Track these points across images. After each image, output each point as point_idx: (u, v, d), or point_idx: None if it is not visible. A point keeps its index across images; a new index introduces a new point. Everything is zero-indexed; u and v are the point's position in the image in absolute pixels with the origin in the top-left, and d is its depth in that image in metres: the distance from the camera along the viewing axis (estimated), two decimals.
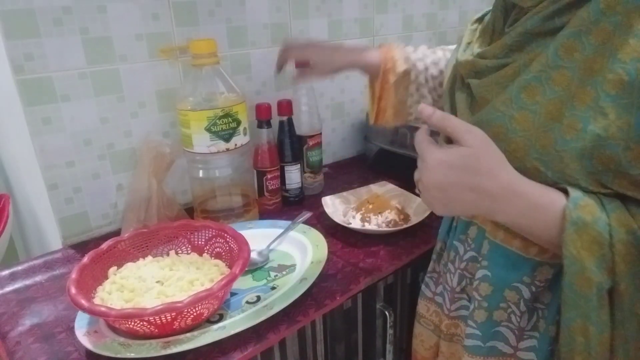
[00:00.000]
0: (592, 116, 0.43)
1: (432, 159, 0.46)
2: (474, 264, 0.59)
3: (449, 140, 0.49)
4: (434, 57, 0.78)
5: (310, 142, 0.97)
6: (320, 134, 0.99)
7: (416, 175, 0.50)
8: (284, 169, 0.93)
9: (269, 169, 0.90)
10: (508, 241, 0.53)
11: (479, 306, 0.57)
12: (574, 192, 0.45)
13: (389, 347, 0.78)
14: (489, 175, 0.45)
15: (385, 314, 0.75)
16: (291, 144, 0.93)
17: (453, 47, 0.81)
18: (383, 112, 0.80)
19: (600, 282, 0.43)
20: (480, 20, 0.62)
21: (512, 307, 0.55)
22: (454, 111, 0.58)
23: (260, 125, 0.90)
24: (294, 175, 0.94)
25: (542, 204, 0.46)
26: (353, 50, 0.80)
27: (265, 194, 0.92)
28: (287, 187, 0.95)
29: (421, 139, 0.48)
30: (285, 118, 0.92)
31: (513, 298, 0.55)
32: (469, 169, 0.45)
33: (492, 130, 0.49)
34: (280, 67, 0.82)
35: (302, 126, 0.97)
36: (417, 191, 0.50)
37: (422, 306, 0.70)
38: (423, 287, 0.70)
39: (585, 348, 0.45)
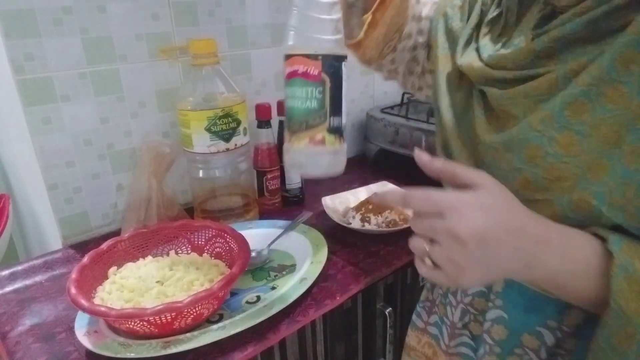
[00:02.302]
0: None
1: (462, 205, 0.36)
2: (480, 300, 0.52)
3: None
4: None
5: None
6: None
7: (417, 243, 0.39)
8: (283, 169, 0.93)
9: (268, 169, 0.90)
10: None
11: (490, 351, 0.50)
12: (611, 234, 0.38)
13: (389, 347, 0.78)
14: (522, 214, 0.37)
15: (385, 314, 0.75)
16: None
17: None
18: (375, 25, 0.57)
19: None
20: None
21: (529, 354, 0.48)
22: (462, 128, 0.51)
23: (260, 125, 0.90)
24: (293, 175, 0.94)
25: (579, 243, 0.39)
26: None
27: (265, 194, 0.92)
28: (287, 187, 0.95)
29: (421, 191, 0.38)
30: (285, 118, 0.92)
31: (532, 344, 0.47)
32: (505, 208, 0.37)
33: (525, 153, 0.42)
34: None
35: None
36: (427, 264, 0.38)
37: (412, 338, 0.64)
38: (414, 317, 0.64)
39: None
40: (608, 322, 0.38)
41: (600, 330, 0.39)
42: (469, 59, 0.50)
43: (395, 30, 0.58)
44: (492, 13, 0.51)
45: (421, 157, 0.39)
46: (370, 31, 0.56)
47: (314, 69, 0.43)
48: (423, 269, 0.39)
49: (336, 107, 0.44)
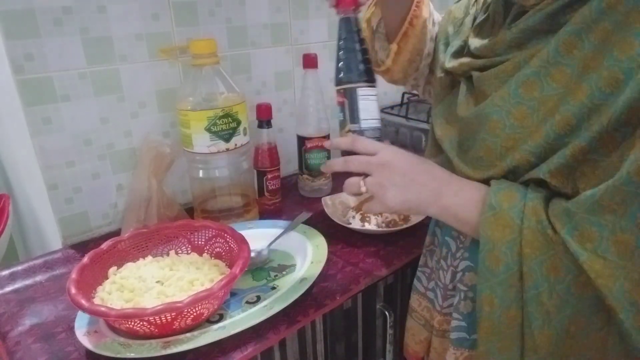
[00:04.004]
0: (586, 113, 0.43)
1: (391, 148, 0.53)
2: (464, 261, 0.59)
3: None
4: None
5: (308, 144, 0.96)
6: (326, 137, 0.97)
7: (353, 180, 0.54)
8: (353, 94, 0.59)
9: (269, 169, 0.90)
10: None
11: (465, 297, 0.58)
12: (499, 182, 0.49)
13: (389, 347, 0.78)
14: (429, 162, 0.53)
15: (385, 314, 0.75)
16: (362, 53, 0.60)
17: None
18: (399, 54, 0.70)
19: (507, 262, 0.46)
20: (462, 11, 0.63)
21: None
22: (454, 103, 0.58)
23: (260, 125, 0.90)
24: (370, 105, 0.58)
25: (471, 186, 0.51)
26: None
27: (265, 194, 0.92)
28: (362, 124, 0.58)
29: (360, 139, 0.55)
30: (352, 13, 0.61)
31: None
32: (416, 158, 0.53)
33: (488, 125, 0.50)
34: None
35: (308, 127, 0.96)
36: (361, 185, 0.54)
37: (414, 300, 0.70)
38: (415, 281, 0.70)
39: (489, 316, 0.48)
40: (482, 248, 0.48)
41: (479, 254, 0.48)
42: (456, 62, 0.58)
43: (417, 54, 0.70)
44: (480, 18, 0.59)
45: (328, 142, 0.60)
46: (397, 58, 0.70)
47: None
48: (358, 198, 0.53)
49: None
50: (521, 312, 0.47)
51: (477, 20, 0.59)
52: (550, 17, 0.47)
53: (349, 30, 0.60)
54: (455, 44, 0.61)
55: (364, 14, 0.74)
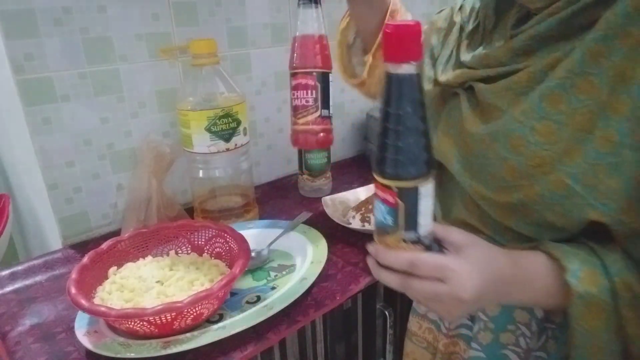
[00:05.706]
0: (630, 128, 0.40)
1: (463, 270, 0.41)
2: None
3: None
4: None
5: None
6: None
7: (427, 296, 0.43)
8: (414, 195, 0.42)
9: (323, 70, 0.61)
10: None
11: (485, 327, 0.55)
12: (571, 263, 0.43)
13: (389, 347, 0.78)
14: (498, 260, 0.44)
15: (385, 314, 0.75)
16: (425, 132, 0.41)
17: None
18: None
19: (610, 349, 0.44)
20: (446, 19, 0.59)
21: (521, 329, 0.53)
22: (451, 117, 0.54)
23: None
24: (430, 203, 0.43)
25: (538, 275, 0.45)
26: None
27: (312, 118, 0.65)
28: (421, 230, 0.43)
29: (422, 263, 0.42)
30: (414, 68, 0.40)
31: (524, 318, 0.52)
32: (488, 261, 0.43)
33: (510, 143, 0.46)
34: None
35: None
36: (427, 308, 0.45)
37: (413, 324, 0.67)
38: (415, 303, 0.68)
39: None
40: (577, 343, 0.44)
41: (574, 351, 0.45)
42: (451, 73, 0.54)
43: None
44: (471, 26, 0.56)
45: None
46: (372, 71, 0.62)
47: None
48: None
49: None
50: None
51: (467, 30, 0.56)
52: (565, 22, 0.43)
53: (409, 97, 0.40)
54: (445, 54, 0.58)
55: (339, 25, 0.70)
